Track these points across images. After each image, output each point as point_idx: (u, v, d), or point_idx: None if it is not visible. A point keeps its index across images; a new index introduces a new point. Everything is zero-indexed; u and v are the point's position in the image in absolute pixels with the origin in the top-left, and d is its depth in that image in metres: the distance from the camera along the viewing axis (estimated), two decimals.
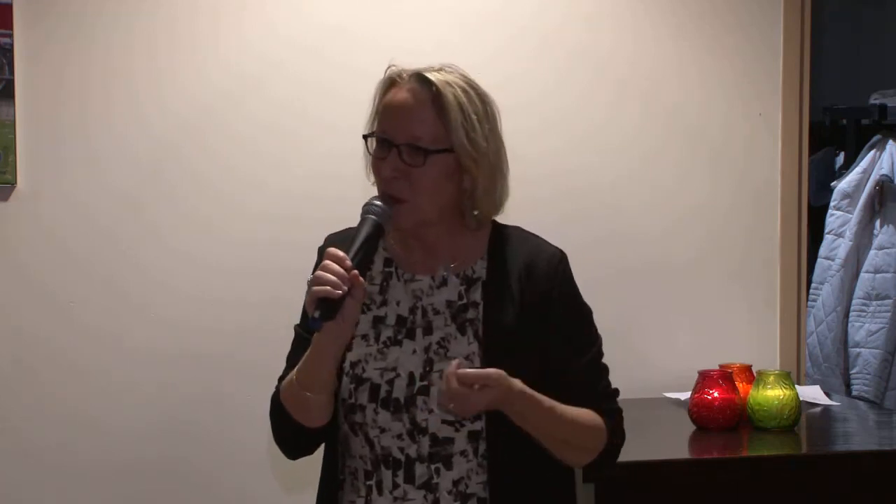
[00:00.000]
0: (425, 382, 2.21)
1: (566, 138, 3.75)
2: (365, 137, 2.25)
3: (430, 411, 2.20)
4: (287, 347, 3.59)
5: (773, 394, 3.24)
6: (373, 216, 2.18)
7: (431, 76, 2.22)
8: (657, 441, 3.29)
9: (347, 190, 3.60)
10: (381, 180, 2.22)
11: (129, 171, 3.51)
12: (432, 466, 2.21)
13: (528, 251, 2.28)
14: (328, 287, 2.08)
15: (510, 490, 2.23)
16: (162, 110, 3.52)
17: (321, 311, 2.09)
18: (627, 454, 2.75)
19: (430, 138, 2.19)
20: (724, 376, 3.26)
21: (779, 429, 3.24)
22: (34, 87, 3.44)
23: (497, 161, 2.26)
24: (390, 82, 2.26)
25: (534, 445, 2.21)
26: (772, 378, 3.26)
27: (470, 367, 2.12)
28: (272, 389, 3.65)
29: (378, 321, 2.27)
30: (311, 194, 3.59)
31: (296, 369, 2.23)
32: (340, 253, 2.12)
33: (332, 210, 3.63)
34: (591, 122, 3.76)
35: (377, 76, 3.59)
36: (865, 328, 4.76)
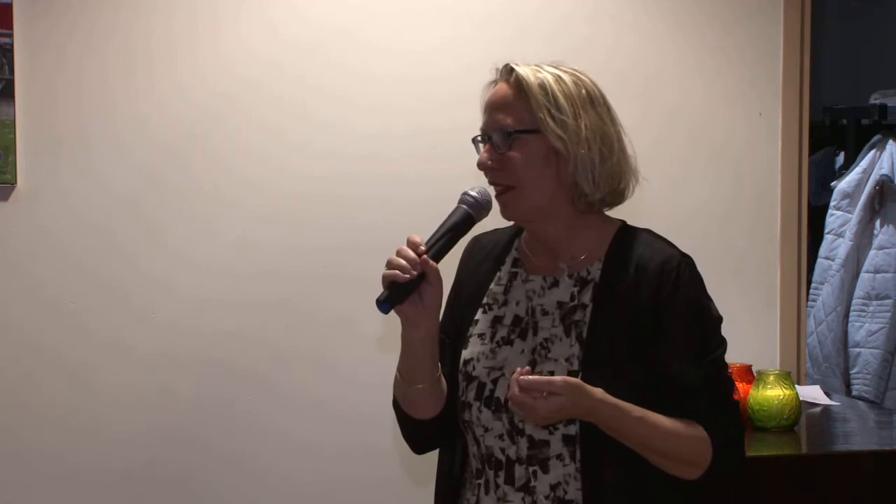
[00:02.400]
0: None
1: None
2: (474, 141, 2.28)
3: None
4: (287, 349, 3.59)
5: (773, 394, 3.24)
6: (464, 206, 2.22)
7: (516, 65, 2.26)
8: None
9: (347, 191, 3.62)
10: (483, 173, 2.25)
11: (129, 171, 3.51)
12: (530, 469, 2.21)
13: (648, 255, 2.24)
14: (396, 271, 2.12)
15: (607, 498, 2.17)
16: (161, 111, 3.51)
17: (388, 294, 2.13)
18: None
19: (515, 121, 2.21)
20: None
21: (779, 429, 3.24)
22: (34, 87, 3.44)
23: (600, 142, 2.24)
24: (492, 84, 2.30)
25: (634, 454, 2.16)
26: (772, 378, 3.26)
27: (560, 372, 2.14)
28: (272, 391, 3.67)
29: (497, 321, 2.28)
30: (311, 195, 3.58)
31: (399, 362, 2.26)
32: (417, 238, 2.16)
33: (333, 211, 3.65)
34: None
35: (377, 76, 3.63)
36: (865, 328, 4.76)
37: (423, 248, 2.15)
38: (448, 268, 2.28)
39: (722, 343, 2.24)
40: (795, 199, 3.90)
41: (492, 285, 2.30)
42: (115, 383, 3.51)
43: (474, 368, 2.25)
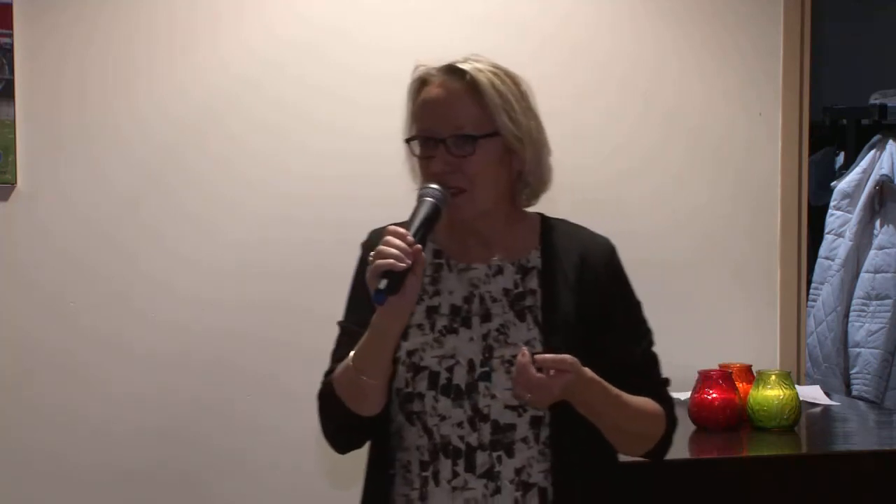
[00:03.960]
0: (486, 369, 2.22)
1: (566, 138, 3.74)
2: (407, 141, 2.26)
3: (493, 397, 2.20)
4: (287, 349, 3.59)
5: (773, 394, 3.24)
6: (430, 198, 2.18)
7: (462, 66, 2.23)
8: None
9: (347, 190, 3.62)
10: (432, 177, 2.21)
11: (129, 171, 3.51)
12: (494, 454, 2.21)
13: (581, 242, 2.31)
14: (392, 260, 2.09)
15: (571, 479, 2.22)
16: (162, 111, 3.52)
17: (389, 282, 2.08)
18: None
19: (475, 125, 2.20)
20: (724, 376, 3.26)
21: (779, 429, 3.23)
22: (34, 87, 3.44)
23: (540, 137, 2.28)
24: (421, 82, 2.26)
25: (595, 433, 2.22)
26: (772, 378, 3.25)
27: (536, 354, 2.13)
28: (272, 391, 3.67)
29: (432, 311, 2.27)
30: (311, 195, 3.59)
31: (353, 354, 2.21)
32: (401, 229, 2.13)
33: (333, 210, 3.65)
34: (591, 122, 3.76)
35: (377, 77, 3.63)
36: (865, 328, 4.76)
37: (410, 237, 2.11)
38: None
39: (647, 321, 2.36)
40: (795, 199, 3.90)
41: None
42: (115, 383, 3.51)
43: (422, 359, 2.24)
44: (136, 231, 3.52)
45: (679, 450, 3.21)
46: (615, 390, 2.20)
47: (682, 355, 3.74)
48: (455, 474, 2.21)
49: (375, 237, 2.25)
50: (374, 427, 2.26)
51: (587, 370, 2.15)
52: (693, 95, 3.82)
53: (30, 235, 3.47)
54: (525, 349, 2.12)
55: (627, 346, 2.28)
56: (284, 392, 3.58)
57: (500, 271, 2.27)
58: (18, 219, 3.46)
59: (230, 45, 3.55)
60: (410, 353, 2.24)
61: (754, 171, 3.88)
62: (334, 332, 3.71)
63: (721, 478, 3.01)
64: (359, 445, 2.32)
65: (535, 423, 2.21)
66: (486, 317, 2.25)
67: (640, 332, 2.33)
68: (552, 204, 3.72)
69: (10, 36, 3.40)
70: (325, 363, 3.81)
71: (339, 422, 2.26)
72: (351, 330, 2.27)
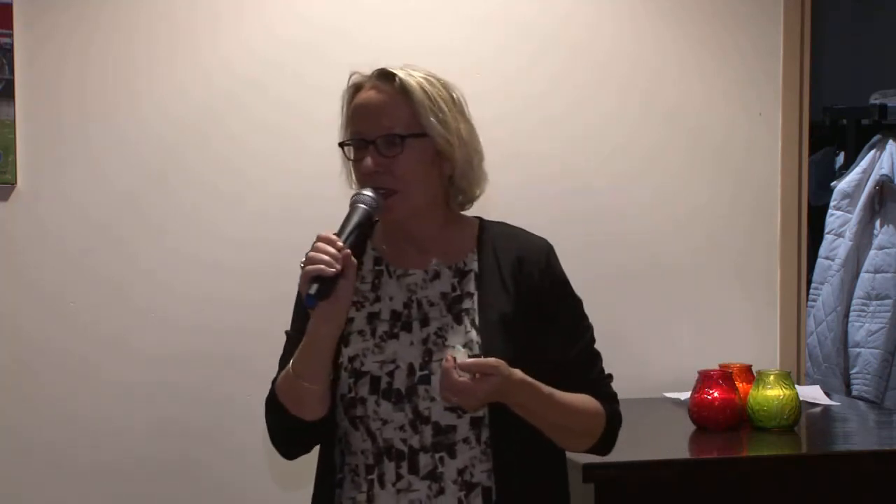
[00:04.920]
0: (426, 372, 2.23)
1: (566, 138, 3.76)
2: (341, 146, 2.32)
3: (433, 399, 2.22)
4: (281, 346, 3.59)
5: (773, 394, 3.24)
6: (363, 205, 2.22)
7: (393, 70, 2.30)
8: (657, 441, 3.29)
9: (347, 190, 3.61)
10: (364, 179, 2.27)
11: (129, 170, 3.51)
12: (436, 456, 2.23)
13: (517, 244, 2.33)
14: (321, 265, 2.13)
15: (514, 477, 2.25)
16: (162, 110, 3.52)
17: (318, 287, 2.12)
18: (627, 454, 2.76)
19: (403, 125, 2.25)
20: (724, 376, 3.26)
21: (779, 429, 3.24)
22: (34, 87, 3.44)
23: (472, 142, 2.31)
24: (355, 88, 2.33)
25: (535, 431, 2.24)
26: (772, 378, 3.26)
27: (468, 357, 2.16)
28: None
29: (373, 317, 2.29)
30: (311, 194, 3.59)
31: (292, 360, 2.24)
32: (331, 235, 2.17)
33: (333, 209, 3.63)
34: (591, 122, 3.76)
35: None
36: (865, 328, 4.76)
37: (339, 243, 2.16)
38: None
39: (589, 322, 2.36)
40: (795, 199, 3.90)
41: (357, 284, 2.27)
42: (116, 381, 3.51)
43: (363, 364, 2.26)
44: (137, 230, 3.52)
45: (679, 450, 3.22)
46: (548, 389, 2.21)
47: (682, 355, 3.76)
48: (399, 476, 2.24)
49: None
50: (319, 432, 2.28)
51: (516, 371, 2.16)
52: (693, 95, 3.82)
53: (30, 235, 3.47)
54: (449, 354, 2.15)
55: (567, 345, 2.29)
56: None
57: (437, 276, 2.30)
58: (18, 219, 3.46)
59: (230, 44, 3.55)
60: (352, 359, 2.27)
61: (754, 171, 3.88)
62: None
63: (721, 478, 3.01)
64: (306, 450, 2.35)
65: (476, 423, 2.23)
66: (425, 321, 2.27)
67: (579, 330, 2.32)
68: (553, 204, 3.74)
69: (10, 36, 3.40)
70: None
71: (284, 427, 2.28)
72: (295, 337, 2.29)
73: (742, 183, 3.87)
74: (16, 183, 3.44)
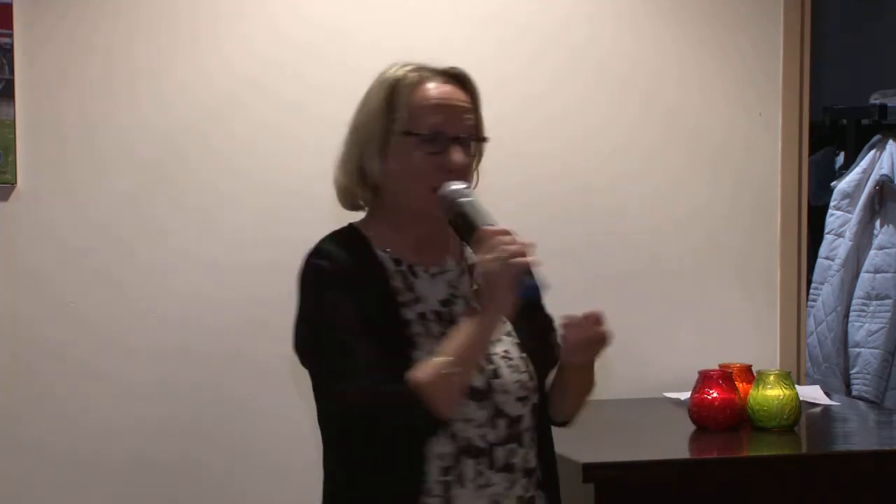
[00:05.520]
0: (493, 366, 2.25)
1: (566, 139, 3.76)
2: (410, 135, 2.26)
3: (506, 392, 2.24)
4: (282, 345, 3.58)
5: (773, 394, 3.24)
6: (471, 198, 2.23)
7: (464, 71, 2.34)
8: (657, 441, 3.29)
9: None
10: (446, 175, 2.24)
11: (130, 170, 3.51)
12: (509, 447, 2.26)
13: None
14: (529, 257, 2.16)
15: (549, 457, 2.34)
16: (162, 110, 3.52)
17: (534, 277, 2.16)
18: (627, 454, 2.76)
19: (481, 128, 2.33)
20: (724, 376, 3.26)
21: (779, 429, 3.23)
22: (34, 87, 3.44)
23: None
24: (420, 80, 2.30)
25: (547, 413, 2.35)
26: (772, 378, 3.26)
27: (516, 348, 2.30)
28: (273, 387, 3.67)
29: (422, 317, 2.26)
30: (312, 193, 3.58)
31: (456, 350, 2.15)
32: (504, 228, 2.19)
33: (333, 208, 3.64)
34: (591, 123, 3.76)
35: (377, 76, 3.62)
36: (865, 328, 4.76)
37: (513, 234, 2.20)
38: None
39: None
40: (795, 199, 3.90)
41: (393, 283, 2.25)
42: (117, 379, 3.51)
43: None
44: (137, 230, 3.52)
45: (679, 450, 3.22)
46: None
47: (682, 355, 3.76)
48: (479, 473, 2.24)
49: (333, 249, 2.31)
50: (435, 432, 2.21)
51: None
52: (693, 95, 3.83)
53: (30, 235, 3.47)
54: (563, 316, 2.26)
55: (550, 319, 2.39)
56: (285, 388, 3.58)
57: (464, 272, 2.32)
58: (19, 219, 3.46)
59: (231, 44, 3.55)
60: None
61: (754, 171, 3.88)
62: None
63: (721, 478, 3.01)
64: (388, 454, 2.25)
65: (534, 410, 2.29)
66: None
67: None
68: (553, 204, 3.74)
69: (10, 36, 3.40)
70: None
71: (421, 424, 2.19)
72: (364, 332, 2.20)
73: (742, 183, 3.87)
74: (16, 183, 3.44)
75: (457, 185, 2.23)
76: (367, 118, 2.35)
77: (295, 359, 3.73)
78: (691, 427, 3.27)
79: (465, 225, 2.23)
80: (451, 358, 2.16)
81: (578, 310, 2.30)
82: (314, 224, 3.63)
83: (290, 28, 3.57)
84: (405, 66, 2.34)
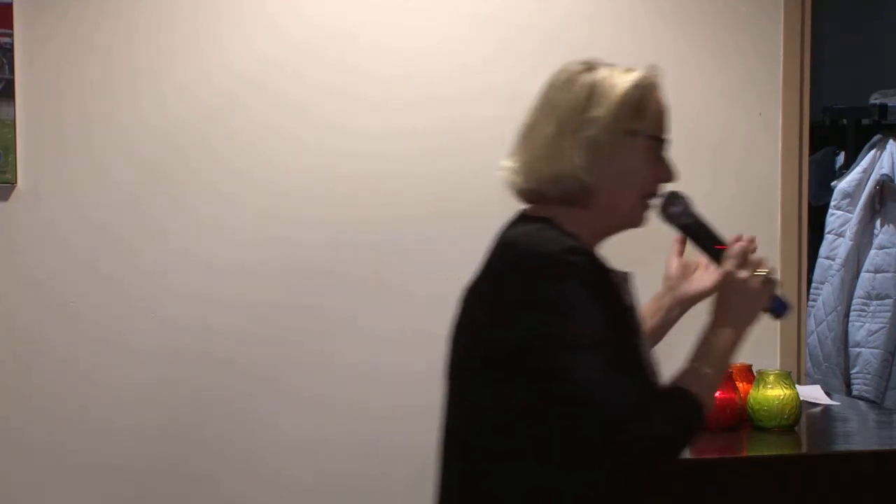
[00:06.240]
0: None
1: None
2: (658, 140, 2.29)
3: None
4: (288, 347, 3.57)
5: (773, 393, 3.24)
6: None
7: None
8: None
9: (348, 188, 3.62)
10: (665, 183, 2.33)
11: (130, 170, 3.51)
12: None
13: None
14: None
15: None
16: (162, 110, 3.52)
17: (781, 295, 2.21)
18: None
19: None
20: (724, 376, 3.26)
21: (779, 429, 3.23)
22: (34, 87, 3.44)
23: None
24: (655, 86, 2.37)
25: None
26: (772, 378, 3.25)
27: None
28: (273, 389, 3.66)
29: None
30: (312, 193, 3.59)
31: (715, 363, 2.27)
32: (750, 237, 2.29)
33: (333, 208, 3.65)
34: None
35: (377, 76, 3.63)
36: (866, 328, 4.76)
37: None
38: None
39: None
40: (795, 199, 3.90)
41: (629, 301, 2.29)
42: (117, 380, 3.51)
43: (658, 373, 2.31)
44: (137, 230, 3.52)
45: None
46: None
47: (682, 355, 3.75)
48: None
49: (588, 259, 2.20)
50: None
51: None
52: (693, 95, 3.82)
53: (30, 236, 3.47)
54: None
55: None
56: (285, 390, 3.58)
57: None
58: (19, 219, 3.46)
59: (231, 44, 3.55)
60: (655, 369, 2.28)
61: (754, 171, 3.88)
62: (336, 328, 3.71)
63: (721, 478, 3.01)
64: None
65: None
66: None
67: None
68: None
69: (11, 36, 3.40)
70: (328, 359, 3.80)
71: (698, 432, 2.26)
72: (630, 343, 2.23)
73: (742, 183, 3.87)
74: (16, 183, 3.44)
75: (684, 195, 2.31)
76: (609, 115, 2.27)
77: (295, 361, 3.74)
78: None
79: (704, 235, 2.26)
80: (714, 371, 2.24)
81: None
82: (314, 224, 3.65)
83: (290, 28, 3.57)
84: (647, 69, 2.38)
